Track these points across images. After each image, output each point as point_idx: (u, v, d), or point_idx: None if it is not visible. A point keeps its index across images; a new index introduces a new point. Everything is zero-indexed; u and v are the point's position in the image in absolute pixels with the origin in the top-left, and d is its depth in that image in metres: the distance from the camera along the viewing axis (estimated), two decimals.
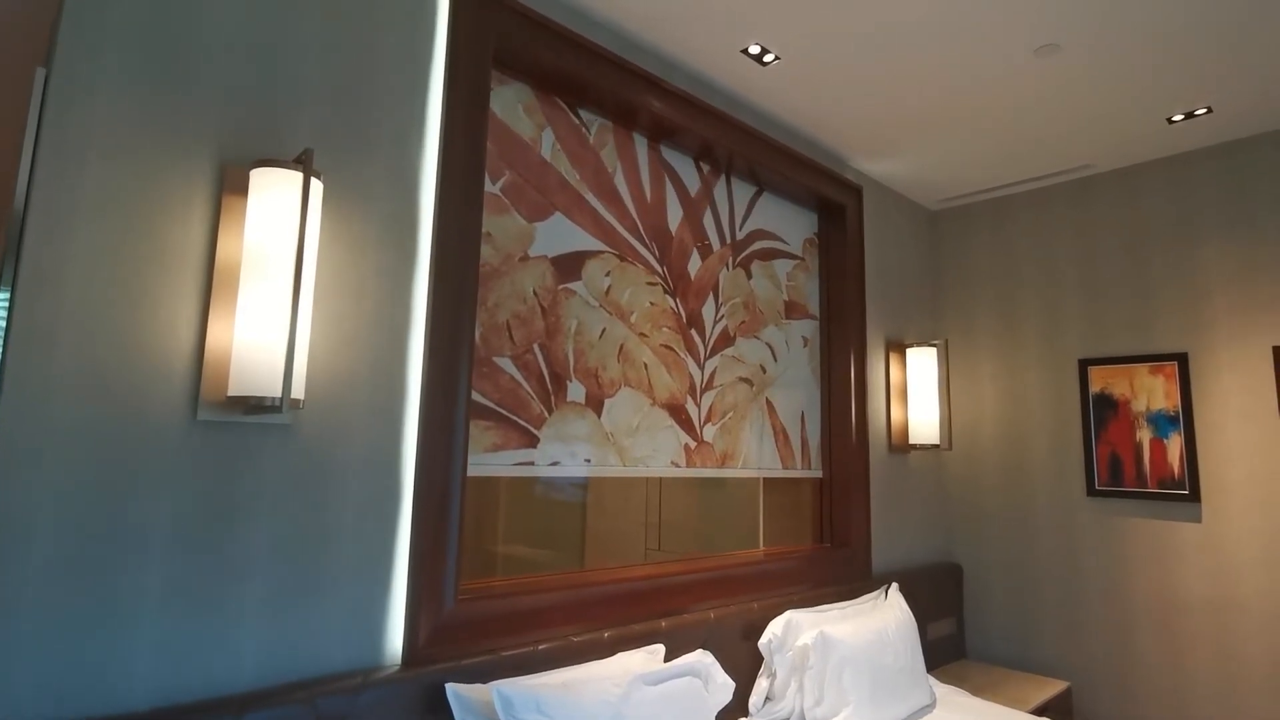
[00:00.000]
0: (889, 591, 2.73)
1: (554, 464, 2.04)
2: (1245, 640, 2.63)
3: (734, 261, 2.69)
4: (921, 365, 3.26)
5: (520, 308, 2.01)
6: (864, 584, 2.83)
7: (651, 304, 2.36)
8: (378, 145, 1.66)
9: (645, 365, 2.32)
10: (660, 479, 3.28)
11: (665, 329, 2.40)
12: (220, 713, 1.27)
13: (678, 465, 2.39)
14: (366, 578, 1.55)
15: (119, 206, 1.29)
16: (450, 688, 1.53)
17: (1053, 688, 2.88)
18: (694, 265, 2.53)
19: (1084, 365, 3.11)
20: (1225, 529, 2.72)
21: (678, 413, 2.41)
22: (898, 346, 3.30)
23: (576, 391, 2.12)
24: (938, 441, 3.18)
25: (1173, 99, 2.55)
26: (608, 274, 2.25)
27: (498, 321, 1.95)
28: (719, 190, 2.67)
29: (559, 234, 2.13)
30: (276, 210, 1.38)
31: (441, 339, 1.70)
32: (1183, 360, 2.86)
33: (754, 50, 2.29)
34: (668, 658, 2.00)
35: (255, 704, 1.31)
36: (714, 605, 2.28)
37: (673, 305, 2.44)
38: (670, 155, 2.50)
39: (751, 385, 2.70)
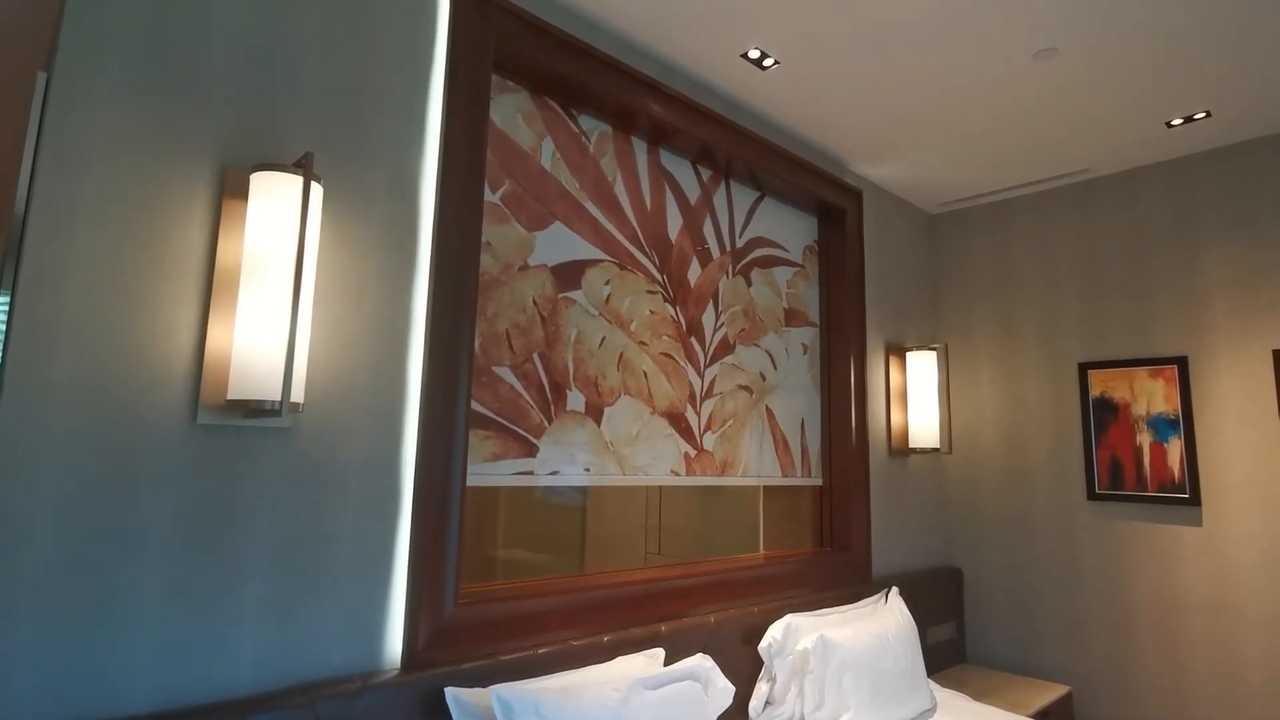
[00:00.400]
0: (889, 595, 2.73)
1: (553, 473, 2.04)
2: (1246, 644, 2.62)
3: (734, 269, 2.69)
4: (921, 369, 3.26)
5: (520, 317, 2.01)
6: (864, 588, 2.83)
7: (651, 312, 2.37)
8: (378, 148, 1.66)
9: (645, 373, 2.32)
10: None
11: (665, 337, 2.40)
12: (220, 716, 1.27)
13: (677, 474, 2.39)
14: (366, 581, 1.55)
15: (119, 210, 1.29)
16: (449, 692, 1.53)
17: (1053, 692, 2.88)
18: (694, 273, 2.53)
19: (1084, 369, 3.11)
20: (1225, 533, 2.71)
21: (677, 421, 2.40)
22: (897, 350, 3.30)
23: (576, 400, 2.11)
24: (938, 445, 3.18)
25: (1172, 103, 2.55)
26: (607, 282, 2.25)
27: (497, 331, 1.95)
28: (719, 197, 2.67)
29: (559, 243, 2.13)
30: (276, 214, 1.38)
31: (441, 341, 1.70)
32: (1183, 364, 2.86)
33: (753, 54, 2.30)
34: (667, 662, 1.99)
35: (254, 707, 1.31)
36: (714, 609, 2.27)
37: (672, 313, 2.44)
38: (670, 163, 2.50)
39: (751, 393, 2.70)
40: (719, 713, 1.87)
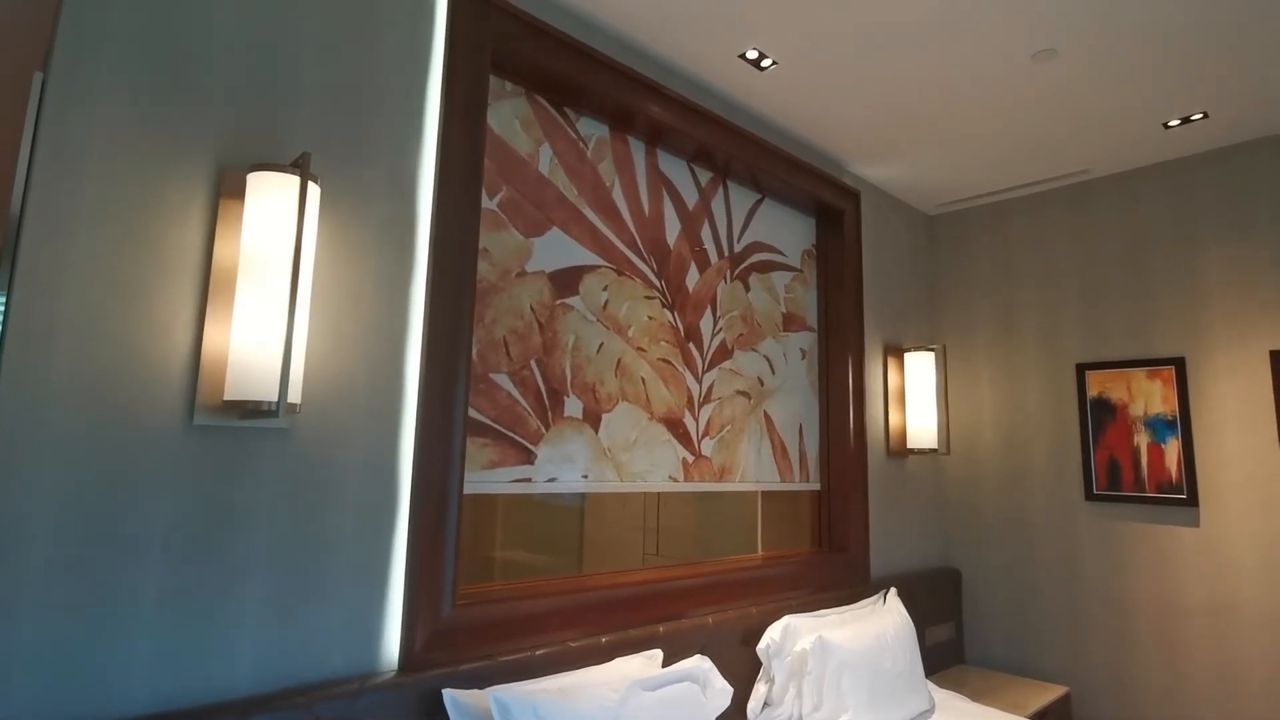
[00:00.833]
0: (887, 596, 2.73)
1: (551, 480, 2.04)
2: (1243, 644, 2.63)
3: (732, 274, 2.69)
4: (919, 369, 3.26)
5: (517, 324, 2.00)
6: (862, 589, 2.83)
7: (649, 318, 2.36)
8: (376, 148, 1.66)
9: (643, 379, 2.31)
10: None
11: (663, 343, 2.39)
12: (218, 717, 1.27)
13: (675, 480, 2.38)
14: (364, 582, 1.55)
15: (116, 210, 1.29)
16: (447, 693, 1.53)
17: (1051, 692, 2.88)
18: (692, 279, 2.52)
19: (1082, 369, 3.11)
20: (1223, 533, 2.72)
21: (675, 427, 2.40)
22: (896, 351, 3.30)
23: (574, 407, 2.11)
24: (936, 446, 3.18)
25: (1170, 104, 2.55)
26: (605, 288, 2.24)
27: (495, 338, 1.95)
28: (717, 202, 2.67)
29: (556, 249, 2.12)
30: (273, 214, 1.37)
31: (439, 341, 1.70)
32: (1180, 364, 2.86)
33: (751, 54, 2.30)
34: (666, 663, 1.99)
35: (253, 709, 1.31)
36: (712, 610, 2.27)
37: (670, 319, 2.43)
38: (668, 167, 2.50)
39: (749, 398, 2.70)
40: (717, 714, 1.87)
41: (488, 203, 1.97)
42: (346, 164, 1.61)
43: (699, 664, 1.89)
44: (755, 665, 2.30)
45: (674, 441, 2.39)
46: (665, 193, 2.47)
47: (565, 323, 2.12)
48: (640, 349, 2.32)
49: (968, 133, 2.80)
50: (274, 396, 1.32)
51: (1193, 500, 2.78)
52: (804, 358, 2.98)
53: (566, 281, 2.14)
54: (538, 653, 1.75)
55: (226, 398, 1.34)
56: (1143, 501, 2.90)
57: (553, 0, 2.07)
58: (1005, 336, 3.39)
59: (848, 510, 2.90)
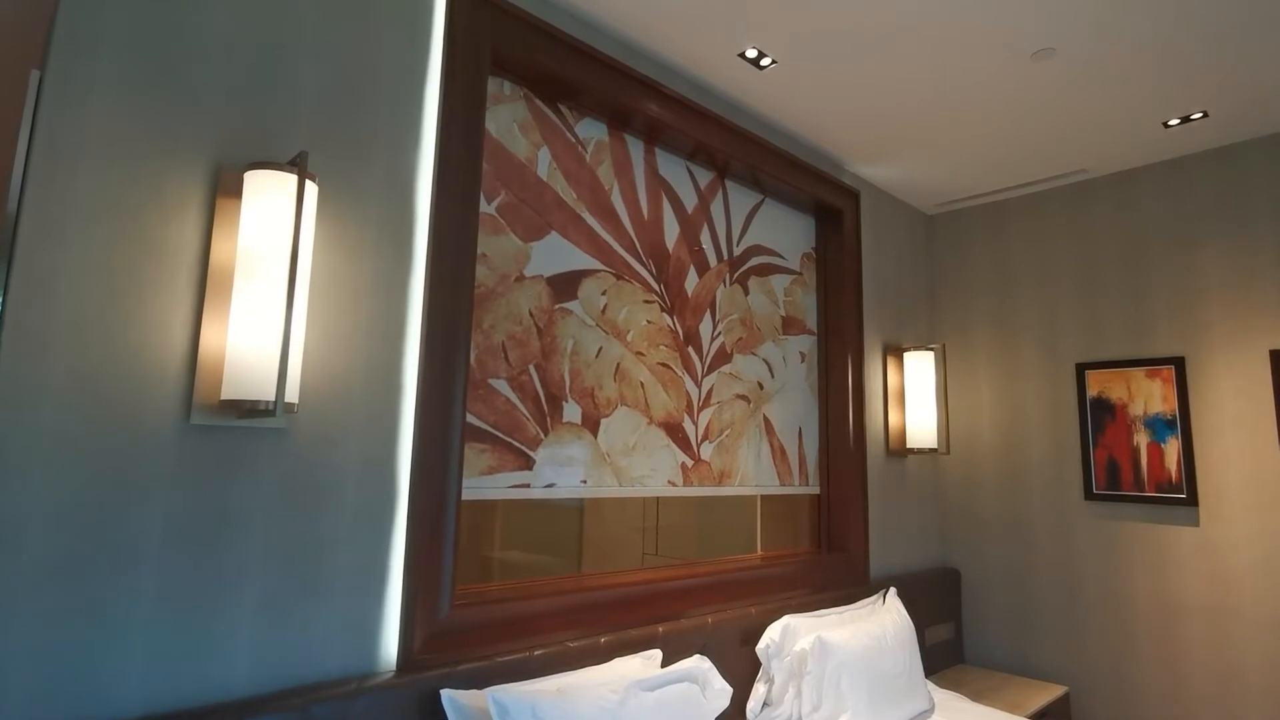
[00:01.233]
0: (887, 596, 2.73)
1: (550, 485, 2.03)
2: (1242, 644, 2.62)
3: (731, 278, 2.68)
4: (919, 369, 3.26)
5: (516, 329, 2.00)
6: (862, 589, 2.82)
7: (648, 322, 2.35)
8: (374, 147, 1.66)
9: (642, 384, 2.31)
10: None
11: (662, 347, 2.39)
12: (214, 719, 1.26)
13: (675, 484, 2.38)
14: (361, 583, 1.54)
15: (112, 209, 1.29)
16: (445, 694, 1.52)
17: (1051, 692, 2.88)
18: (691, 282, 2.52)
19: (1081, 369, 3.11)
20: (1222, 533, 2.71)
21: (674, 431, 2.40)
22: (895, 351, 3.30)
23: (573, 412, 2.10)
24: (935, 446, 3.18)
25: (1169, 104, 2.55)
26: (604, 293, 2.23)
27: (493, 343, 1.94)
28: (716, 205, 2.66)
29: (555, 253, 2.11)
30: (271, 213, 1.37)
31: (437, 341, 1.69)
32: (1179, 364, 2.86)
33: (751, 54, 2.29)
34: (665, 663, 1.99)
35: (249, 711, 1.30)
36: (711, 610, 2.27)
37: (670, 323, 2.42)
38: (667, 170, 2.49)
39: (749, 402, 2.69)
40: (716, 714, 1.86)
41: (486, 207, 1.96)
42: (344, 163, 1.60)
43: (698, 664, 1.89)
44: (754, 665, 2.30)
45: (673, 446, 2.38)
46: (664, 196, 2.47)
47: (564, 327, 2.11)
48: (639, 353, 2.31)
49: (967, 132, 2.80)
50: (271, 396, 1.32)
51: (1192, 500, 2.78)
52: (803, 361, 2.98)
53: (565, 286, 2.13)
54: (536, 653, 1.75)
55: (224, 397, 1.33)
56: (1142, 501, 2.90)
57: (552, 0, 2.07)
58: (1005, 336, 3.39)
59: (847, 510, 2.89)
